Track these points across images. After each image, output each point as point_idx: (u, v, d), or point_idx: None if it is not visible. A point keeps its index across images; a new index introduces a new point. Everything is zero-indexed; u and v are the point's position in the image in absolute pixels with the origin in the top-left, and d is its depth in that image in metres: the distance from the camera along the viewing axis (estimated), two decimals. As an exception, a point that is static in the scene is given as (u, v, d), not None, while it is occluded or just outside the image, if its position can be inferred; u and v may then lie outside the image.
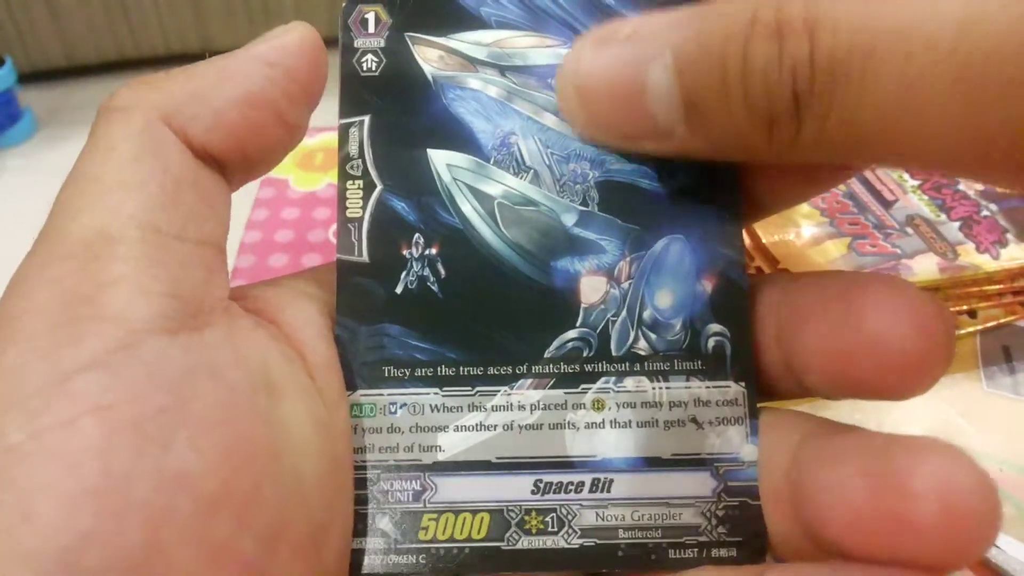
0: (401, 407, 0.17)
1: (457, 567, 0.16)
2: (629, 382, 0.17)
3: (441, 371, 0.17)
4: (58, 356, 0.13)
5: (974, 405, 0.36)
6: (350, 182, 0.17)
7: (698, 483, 0.16)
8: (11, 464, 0.12)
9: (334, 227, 0.48)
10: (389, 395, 0.17)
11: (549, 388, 0.17)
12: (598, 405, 0.17)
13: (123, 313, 0.14)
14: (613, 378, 0.17)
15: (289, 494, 0.14)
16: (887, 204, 0.42)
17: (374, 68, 0.17)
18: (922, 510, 0.13)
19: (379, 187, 0.17)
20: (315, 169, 0.51)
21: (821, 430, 0.16)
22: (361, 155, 0.17)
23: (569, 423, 0.16)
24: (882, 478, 0.13)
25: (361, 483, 0.16)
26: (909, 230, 0.40)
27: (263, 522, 0.14)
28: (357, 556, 0.16)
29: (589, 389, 0.17)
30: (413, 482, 0.16)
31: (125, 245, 0.14)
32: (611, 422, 0.16)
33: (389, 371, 0.17)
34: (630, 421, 0.16)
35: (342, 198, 0.17)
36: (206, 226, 0.16)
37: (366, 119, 0.17)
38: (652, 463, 0.16)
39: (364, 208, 0.17)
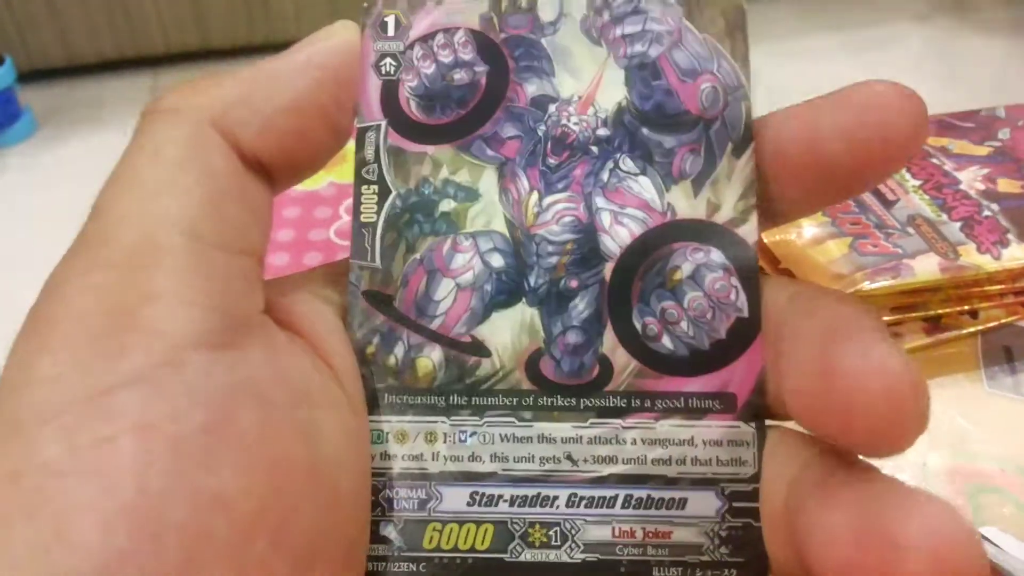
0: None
1: (457, 575, 0.16)
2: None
3: None
4: (98, 369, 0.13)
5: (975, 405, 0.36)
6: (365, 187, 0.17)
7: (703, 503, 0.16)
8: (46, 480, 0.12)
9: (335, 226, 0.48)
10: None
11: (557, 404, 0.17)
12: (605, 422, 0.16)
13: (166, 327, 0.13)
14: (620, 397, 0.16)
15: (326, 512, 0.14)
16: (888, 204, 0.42)
17: (392, 72, 0.17)
18: (910, 564, 0.13)
19: (393, 193, 0.17)
20: (315, 168, 0.51)
21: (819, 461, 0.15)
22: (377, 160, 0.17)
23: (575, 438, 0.16)
24: (872, 528, 0.13)
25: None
26: (910, 230, 0.40)
27: (300, 542, 0.14)
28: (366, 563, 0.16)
29: (597, 406, 0.16)
30: (419, 491, 0.16)
31: (169, 255, 0.14)
32: (617, 440, 0.16)
33: None
34: (637, 439, 0.16)
35: (357, 202, 0.17)
36: (249, 236, 0.15)
37: (383, 124, 0.17)
38: (658, 481, 0.16)
39: (378, 214, 0.17)
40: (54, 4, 0.71)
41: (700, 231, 0.17)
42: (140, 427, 0.12)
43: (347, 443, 0.15)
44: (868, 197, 0.42)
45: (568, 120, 0.17)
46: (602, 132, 0.17)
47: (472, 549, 0.16)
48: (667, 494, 0.16)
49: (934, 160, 0.44)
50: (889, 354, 0.14)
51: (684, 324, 0.16)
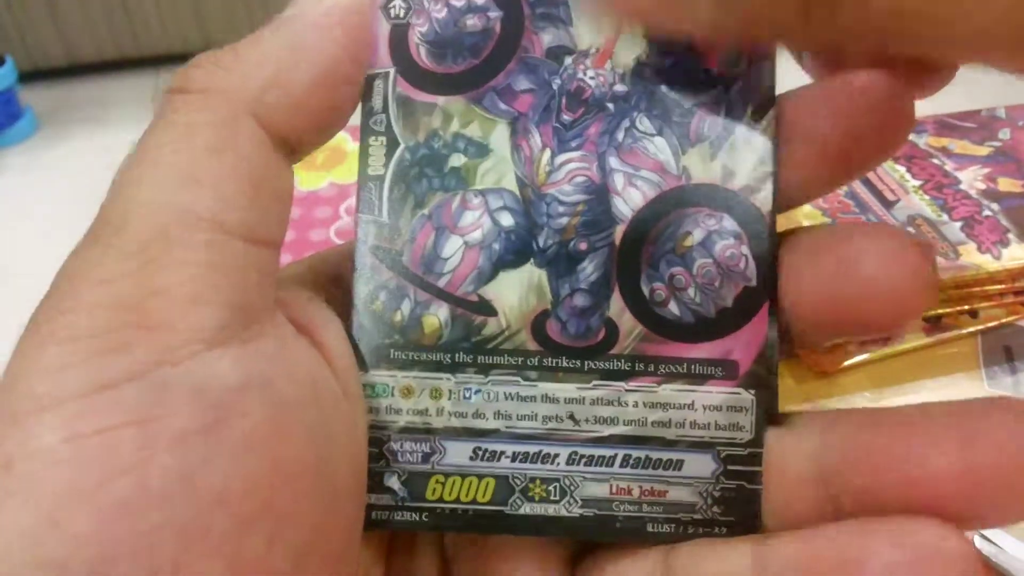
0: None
1: (460, 527, 0.17)
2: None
3: None
4: (102, 362, 0.13)
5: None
6: (372, 138, 0.17)
7: (699, 465, 0.17)
8: (39, 468, 0.12)
9: (335, 226, 0.48)
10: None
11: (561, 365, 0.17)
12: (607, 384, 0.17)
13: (174, 323, 0.13)
14: (625, 360, 0.17)
15: (325, 508, 0.14)
16: (888, 204, 0.42)
17: (402, 15, 0.17)
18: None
19: (402, 145, 0.17)
20: (316, 168, 0.51)
21: (845, 412, 0.16)
22: (385, 110, 0.17)
23: (578, 399, 0.17)
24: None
25: (373, 441, 0.17)
26: (911, 230, 0.40)
27: (298, 538, 0.14)
28: (369, 512, 0.16)
29: (601, 369, 0.17)
30: (423, 444, 0.17)
31: (186, 249, 0.14)
32: (619, 402, 0.17)
33: None
34: (638, 402, 0.17)
35: (364, 154, 0.17)
36: (273, 226, 0.15)
37: (391, 71, 0.17)
38: (657, 443, 0.17)
39: (386, 166, 0.17)
40: (54, 4, 0.71)
41: (714, 197, 0.16)
42: (142, 422, 0.12)
43: (347, 440, 0.15)
44: (868, 197, 0.42)
45: (584, 74, 0.17)
46: (619, 88, 0.17)
47: (473, 501, 0.17)
48: (665, 455, 0.17)
49: (934, 160, 0.44)
50: (899, 235, 0.15)
51: (692, 291, 0.16)
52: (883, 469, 0.15)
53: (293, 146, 0.16)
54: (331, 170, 0.51)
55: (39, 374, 0.12)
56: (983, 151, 0.45)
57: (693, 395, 0.17)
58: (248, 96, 0.15)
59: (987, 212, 0.41)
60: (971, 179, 0.43)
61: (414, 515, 0.17)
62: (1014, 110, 0.48)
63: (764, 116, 0.16)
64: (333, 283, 0.18)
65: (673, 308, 0.17)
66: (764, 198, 0.16)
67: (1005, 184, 0.42)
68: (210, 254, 0.14)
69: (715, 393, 0.17)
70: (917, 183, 0.43)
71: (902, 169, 0.44)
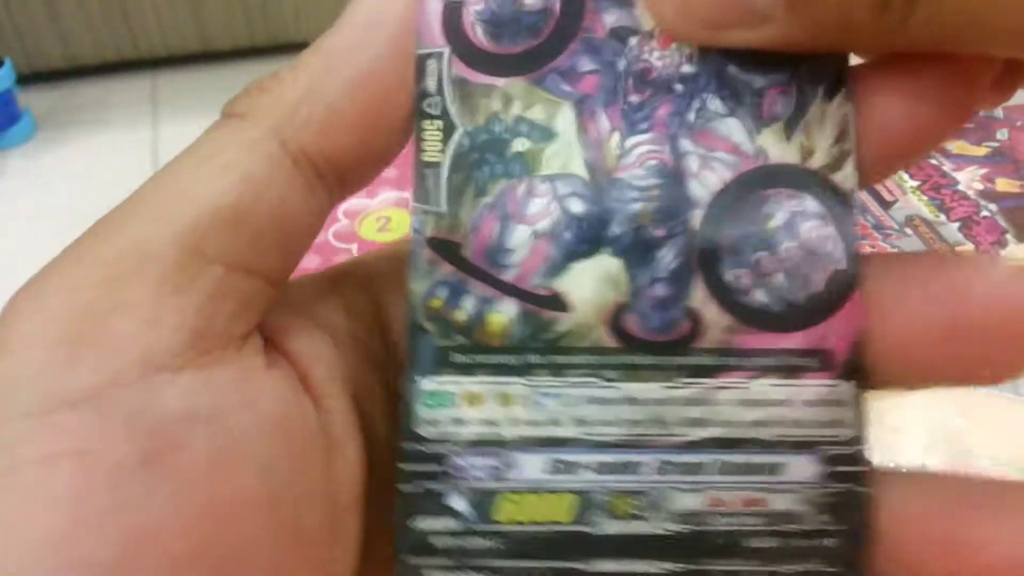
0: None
1: (537, 551, 0.15)
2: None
3: None
4: (50, 379, 0.12)
5: (974, 405, 0.36)
6: (427, 122, 0.16)
7: (802, 468, 0.15)
8: None
9: (333, 228, 0.48)
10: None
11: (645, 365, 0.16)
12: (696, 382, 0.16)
13: (126, 342, 0.13)
14: (711, 354, 0.16)
15: (285, 548, 0.14)
16: (886, 205, 0.42)
17: None
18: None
19: (460, 129, 0.16)
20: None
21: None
22: (440, 92, 0.16)
23: (664, 400, 0.16)
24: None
25: (434, 458, 0.15)
26: (908, 231, 0.40)
27: None
28: (427, 537, 0.15)
29: (686, 364, 0.16)
30: (491, 458, 0.16)
31: (156, 265, 0.13)
32: (709, 401, 0.16)
33: None
34: (730, 400, 0.16)
35: (419, 140, 0.16)
36: (267, 255, 0.14)
37: (446, 51, 0.16)
38: (754, 445, 0.15)
39: (444, 152, 0.16)
40: (53, 6, 0.71)
41: (794, 177, 0.16)
42: (79, 452, 0.12)
43: (321, 480, 0.14)
44: (866, 197, 0.42)
45: (650, 55, 0.16)
46: (687, 69, 0.16)
47: (551, 521, 0.16)
48: (764, 459, 0.16)
49: (932, 160, 0.44)
50: (1006, 269, 0.14)
51: (778, 276, 0.16)
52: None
53: (332, 168, 0.15)
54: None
55: None
56: (981, 151, 0.45)
57: (789, 390, 0.15)
58: (277, 116, 0.14)
59: (985, 212, 0.41)
60: (969, 179, 0.43)
61: (483, 540, 0.15)
62: (1012, 111, 0.48)
63: (838, 92, 0.16)
64: (359, 292, 0.17)
65: (759, 295, 0.15)
66: (846, 176, 0.16)
67: (1003, 184, 0.43)
68: (177, 275, 0.13)
69: (812, 386, 0.15)
70: (915, 183, 0.43)
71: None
